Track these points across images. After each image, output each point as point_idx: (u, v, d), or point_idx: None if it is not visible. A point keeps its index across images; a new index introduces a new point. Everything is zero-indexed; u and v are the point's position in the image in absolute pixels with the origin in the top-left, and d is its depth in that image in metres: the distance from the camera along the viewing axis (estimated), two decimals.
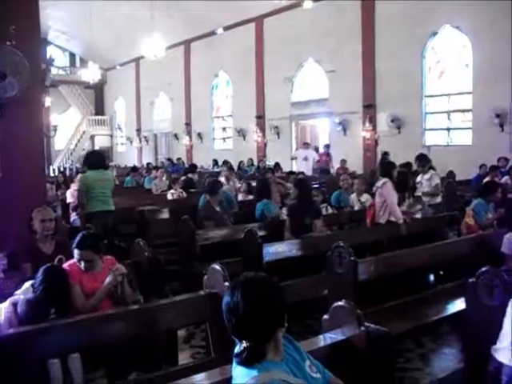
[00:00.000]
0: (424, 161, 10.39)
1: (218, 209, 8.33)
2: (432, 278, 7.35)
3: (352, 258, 4.90)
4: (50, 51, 32.56)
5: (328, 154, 20.52)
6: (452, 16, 16.63)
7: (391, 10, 18.25)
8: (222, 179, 11.68)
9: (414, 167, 10.69)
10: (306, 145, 19.93)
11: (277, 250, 6.43)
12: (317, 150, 20.96)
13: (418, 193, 9.78)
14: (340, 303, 3.18)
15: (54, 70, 32.10)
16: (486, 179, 10.58)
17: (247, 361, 2.25)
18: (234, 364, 2.33)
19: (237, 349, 2.32)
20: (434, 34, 17.64)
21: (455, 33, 17.08)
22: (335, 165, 19.22)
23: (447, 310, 5.25)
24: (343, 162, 18.33)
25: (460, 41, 17.05)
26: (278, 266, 6.28)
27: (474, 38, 16.39)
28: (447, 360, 5.50)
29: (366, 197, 9.39)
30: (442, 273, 7.17)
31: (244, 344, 2.26)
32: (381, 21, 18.89)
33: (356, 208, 9.43)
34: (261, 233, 7.18)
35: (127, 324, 3.96)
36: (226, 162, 12.60)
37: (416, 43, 17.85)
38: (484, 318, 3.64)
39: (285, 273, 5.89)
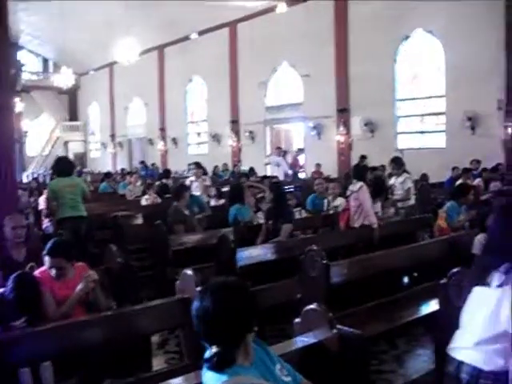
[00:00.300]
0: (399, 164, 10.46)
1: (186, 212, 8.33)
2: (406, 279, 7.39)
3: (324, 262, 4.92)
4: (22, 56, 32.22)
5: (297, 160, 20.65)
6: (424, 20, 16.83)
7: (364, 14, 18.40)
8: (192, 178, 11.80)
9: (388, 170, 10.76)
10: (278, 149, 19.96)
11: (251, 255, 6.42)
12: (284, 153, 20.90)
13: (392, 196, 9.86)
14: (311, 306, 3.19)
15: (26, 76, 31.78)
16: (459, 182, 10.70)
17: (217, 366, 2.24)
18: (204, 369, 2.31)
19: (207, 354, 2.31)
20: (407, 37, 17.83)
21: (427, 36, 17.28)
22: (309, 169, 19.28)
23: (420, 312, 5.27)
24: (318, 166, 18.39)
25: (432, 44, 17.24)
26: (252, 270, 6.26)
27: (445, 41, 16.60)
28: (421, 361, 5.52)
29: (340, 200, 9.42)
30: (415, 275, 7.21)
31: (214, 349, 2.26)
32: (354, 25, 19.05)
33: (331, 212, 9.46)
34: (234, 237, 7.17)
35: (100, 331, 3.92)
36: (195, 163, 12.67)
37: (388, 47, 18.02)
38: (455, 319, 3.65)
39: (259, 277, 5.88)
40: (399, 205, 9.82)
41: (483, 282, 3.01)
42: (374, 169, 11.19)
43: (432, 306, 5.01)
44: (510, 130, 14.91)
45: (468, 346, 2.90)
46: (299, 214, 9.03)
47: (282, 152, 20.02)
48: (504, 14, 14.88)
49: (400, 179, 10.25)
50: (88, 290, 4.41)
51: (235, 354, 2.27)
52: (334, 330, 3.13)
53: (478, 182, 11.95)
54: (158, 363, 5.24)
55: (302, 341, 3.09)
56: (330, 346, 3.08)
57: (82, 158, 36.44)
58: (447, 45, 16.58)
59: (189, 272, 4.08)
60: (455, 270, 3.81)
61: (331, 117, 19.87)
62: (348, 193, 7.97)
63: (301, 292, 5.11)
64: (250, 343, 2.33)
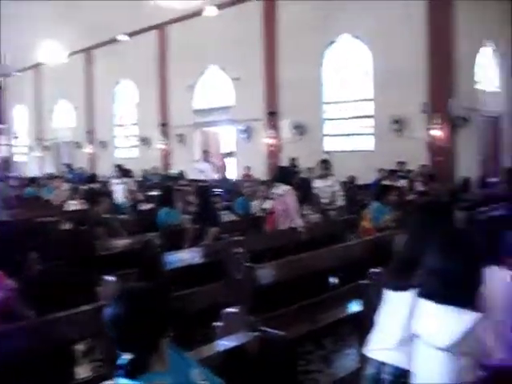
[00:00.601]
0: (327, 166, 10.57)
1: (107, 216, 8.26)
2: (334, 280, 7.47)
3: (248, 264, 4.92)
4: None
5: (223, 163, 20.70)
6: (351, 25, 17.09)
7: (292, 19, 18.54)
8: (116, 181, 11.69)
9: (316, 172, 10.86)
10: (205, 153, 19.91)
11: (178, 259, 6.38)
12: (207, 158, 20.80)
13: (318, 199, 9.97)
14: (232, 310, 3.18)
15: None
16: (385, 183, 10.90)
17: (131, 373, 2.20)
18: (118, 377, 2.26)
19: (120, 361, 2.26)
20: (334, 42, 18.09)
21: (355, 41, 17.58)
22: (239, 172, 19.32)
23: (346, 311, 5.34)
24: (247, 168, 18.41)
25: (360, 49, 17.53)
26: (180, 274, 6.22)
27: (372, 46, 16.95)
28: (349, 360, 5.58)
29: (269, 203, 9.45)
30: (341, 275, 7.29)
31: (127, 356, 2.21)
32: (282, 29, 19.17)
33: (260, 214, 9.49)
34: (161, 241, 7.11)
35: (18, 340, 3.80)
36: (117, 166, 12.54)
37: (316, 51, 18.24)
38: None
39: (187, 281, 5.84)
40: (327, 207, 9.93)
41: (400, 280, 3.06)
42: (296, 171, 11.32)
43: (357, 305, 5.09)
44: (433, 132, 15.42)
45: (389, 346, 2.94)
46: (227, 216, 9.01)
47: (208, 156, 19.94)
48: (427, 19, 15.39)
49: (327, 182, 10.36)
50: (4, 299, 4.26)
51: (149, 360, 2.24)
52: (256, 333, 3.12)
53: (402, 183, 12.22)
54: (83, 372, 5.13)
55: (223, 345, 3.07)
56: (250, 348, 3.08)
57: (7, 162, 35.33)
58: (374, 49, 16.92)
59: (110, 278, 4.00)
60: (375, 270, 3.88)
61: (261, 120, 19.96)
62: (273, 196, 8.00)
63: (227, 295, 5.09)
64: (165, 349, 2.30)
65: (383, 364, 2.96)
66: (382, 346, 3.01)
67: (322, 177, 10.47)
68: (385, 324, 3.04)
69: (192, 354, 2.88)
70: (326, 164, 10.58)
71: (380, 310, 3.09)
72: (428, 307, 2.70)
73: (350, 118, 18.25)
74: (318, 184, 10.31)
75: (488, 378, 2.67)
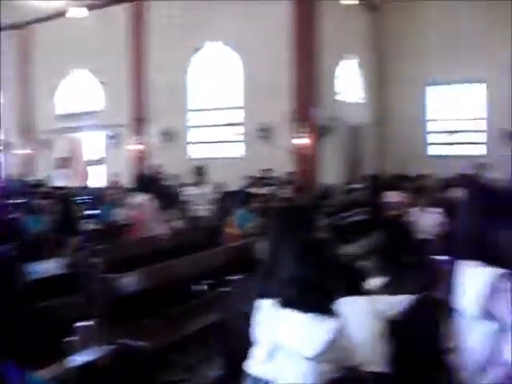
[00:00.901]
0: (202, 173, 10.56)
1: None
2: (204, 287, 7.43)
3: (105, 275, 4.78)
4: None
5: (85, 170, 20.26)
6: (221, 31, 17.25)
7: (162, 23, 18.42)
8: None
9: (187, 180, 10.81)
10: (68, 160, 19.35)
11: (36, 269, 6.07)
12: (70, 165, 20.28)
13: (190, 205, 9.93)
14: (85, 323, 3.07)
15: None
16: (250, 190, 11.04)
17: None
18: None
19: None
20: (203, 47, 18.17)
21: (225, 48, 17.77)
22: (107, 178, 18.91)
23: (211, 319, 5.31)
24: (113, 175, 17.98)
25: (230, 56, 17.72)
26: (38, 285, 5.91)
27: (242, 53, 17.22)
28: (214, 368, 5.56)
29: (133, 211, 9.30)
30: (209, 282, 7.27)
31: None
32: (152, 33, 19.01)
33: (123, 223, 9.29)
34: (18, 251, 6.75)
35: None
36: None
37: (184, 56, 18.27)
38: (240, 325, 3.70)
39: (46, 293, 5.57)
40: (200, 214, 9.90)
41: (264, 288, 3.05)
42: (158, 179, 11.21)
43: (220, 313, 5.08)
44: (297, 140, 15.85)
45: (261, 360, 2.90)
46: (91, 225, 8.75)
47: (71, 163, 19.40)
48: (292, 30, 15.80)
49: (201, 189, 10.35)
50: None
51: None
52: (112, 346, 3.02)
53: (267, 189, 12.40)
54: None
55: (75, 360, 2.94)
56: (104, 362, 2.97)
57: None
58: (244, 57, 17.18)
59: None
60: (234, 277, 3.88)
61: (129, 126, 19.67)
62: (135, 204, 7.90)
63: (85, 308, 4.91)
64: (6, 370, 2.14)
65: (257, 378, 2.91)
66: (255, 359, 2.96)
67: (197, 184, 10.45)
68: (257, 336, 2.99)
69: (43, 372, 2.74)
70: (200, 171, 10.56)
71: (253, 320, 3.04)
72: (288, 316, 2.70)
73: (218, 125, 18.36)
74: (191, 191, 10.29)
75: (342, 379, 2.73)
